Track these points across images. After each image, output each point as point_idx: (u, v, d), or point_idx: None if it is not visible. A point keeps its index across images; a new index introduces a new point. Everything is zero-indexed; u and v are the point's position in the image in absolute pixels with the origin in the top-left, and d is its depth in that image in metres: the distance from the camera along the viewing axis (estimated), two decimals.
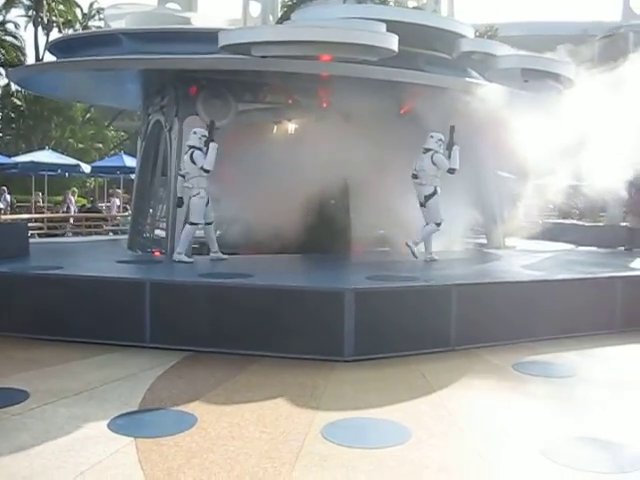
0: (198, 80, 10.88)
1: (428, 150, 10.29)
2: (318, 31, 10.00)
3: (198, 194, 9.76)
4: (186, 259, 9.80)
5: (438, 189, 10.30)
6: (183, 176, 9.91)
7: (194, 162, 9.69)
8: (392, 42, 10.01)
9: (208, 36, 10.36)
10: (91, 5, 46.15)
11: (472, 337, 7.80)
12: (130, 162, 24.58)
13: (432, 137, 10.33)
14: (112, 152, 38.75)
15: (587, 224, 17.19)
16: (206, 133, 9.80)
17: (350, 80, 10.12)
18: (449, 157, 10.28)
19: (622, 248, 13.21)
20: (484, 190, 13.16)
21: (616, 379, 6.84)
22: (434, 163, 10.23)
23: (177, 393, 6.13)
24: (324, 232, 11.10)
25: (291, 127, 12.30)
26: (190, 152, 9.74)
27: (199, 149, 9.72)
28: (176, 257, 9.84)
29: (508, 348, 7.78)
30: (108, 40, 11.35)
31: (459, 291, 7.84)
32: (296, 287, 7.84)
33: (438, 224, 10.34)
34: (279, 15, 16.25)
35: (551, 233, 14.42)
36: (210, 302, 7.65)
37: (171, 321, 7.64)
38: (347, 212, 11.84)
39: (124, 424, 5.30)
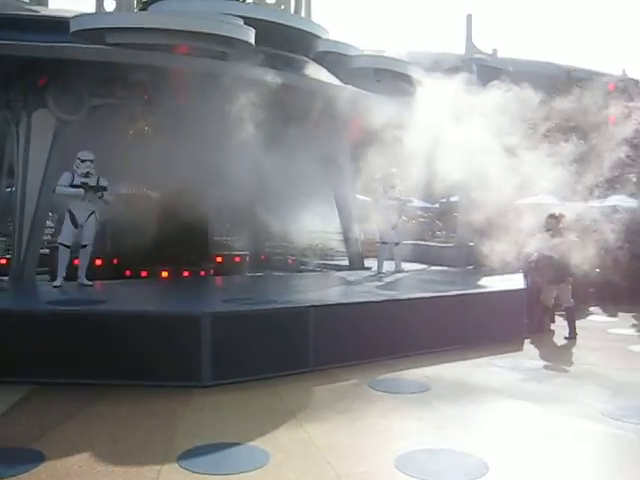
0: (48, 71, 10.21)
1: None
2: (175, 19, 9.84)
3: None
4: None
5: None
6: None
7: None
8: (249, 35, 10.00)
9: (59, 25, 9.87)
10: None
11: (330, 357, 7.91)
12: None
13: None
14: None
15: (439, 245, 18.00)
16: None
17: (208, 78, 9.84)
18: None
19: (471, 267, 13.92)
20: (345, 211, 13.49)
21: (465, 393, 7.15)
22: None
23: (23, 430, 5.76)
24: (181, 243, 10.78)
25: (146, 125, 11.82)
26: None
27: None
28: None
29: (365, 367, 7.98)
30: None
31: (316, 312, 7.93)
32: (150, 312, 7.64)
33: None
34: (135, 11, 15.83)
35: (406, 254, 14.98)
36: (59, 331, 7.23)
37: (15, 352, 7.12)
38: (205, 220, 11.58)
39: None
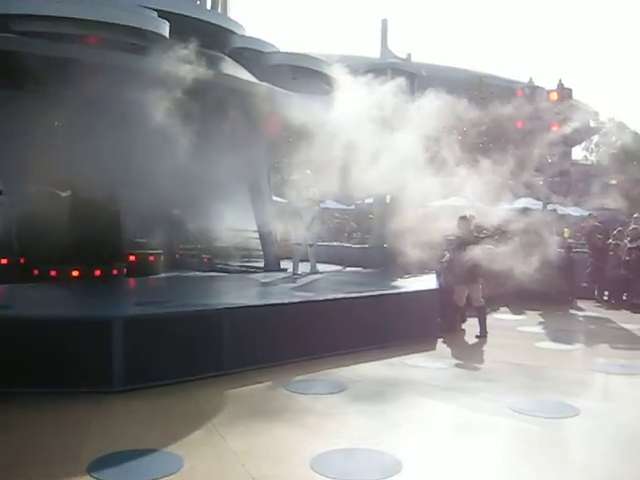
0: None
1: None
2: (87, 9, 9.51)
3: None
4: None
5: None
6: None
7: None
8: (163, 28, 9.81)
9: None
10: None
11: (246, 360, 7.83)
12: None
13: None
14: None
15: (354, 246, 18.16)
16: None
17: (119, 71, 9.47)
18: None
19: (385, 268, 14.10)
20: (261, 212, 13.43)
21: (380, 392, 7.23)
22: None
23: None
24: (92, 242, 10.45)
25: (55, 120, 11.29)
26: None
27: None
28: None
29: (281, 369, 7.95)
30: None
31: (230, 314, 7.84)
32: (58, 316, 7.33)
33: None
34: None
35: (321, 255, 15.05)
36: None
37: None
38: (117, 219, 11.29)
39: None
